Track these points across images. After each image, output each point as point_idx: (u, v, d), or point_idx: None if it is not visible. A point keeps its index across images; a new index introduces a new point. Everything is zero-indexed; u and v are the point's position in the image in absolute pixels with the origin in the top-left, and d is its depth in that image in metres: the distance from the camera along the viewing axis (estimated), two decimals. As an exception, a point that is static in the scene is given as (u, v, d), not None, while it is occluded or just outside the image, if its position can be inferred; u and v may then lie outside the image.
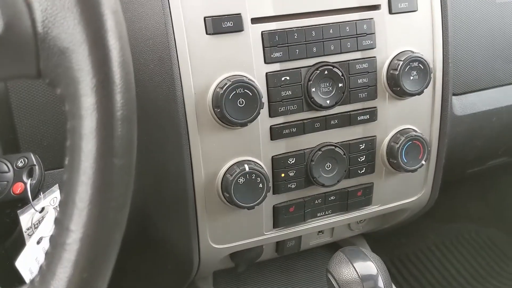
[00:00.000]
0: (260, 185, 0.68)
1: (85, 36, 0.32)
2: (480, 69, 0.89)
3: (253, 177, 0.67)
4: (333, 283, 0.63)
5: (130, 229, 0.69)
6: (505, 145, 1.01)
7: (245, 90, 0.63)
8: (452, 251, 1.39)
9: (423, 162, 0.77)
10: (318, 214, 0.79)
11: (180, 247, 0.73)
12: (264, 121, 0.69)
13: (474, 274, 1.33)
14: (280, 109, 0.69)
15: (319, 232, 0.89)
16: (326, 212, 0.79)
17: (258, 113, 0.65)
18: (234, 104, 0.63)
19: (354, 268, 0.63)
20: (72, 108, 0.33)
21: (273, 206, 0.75)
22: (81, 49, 0.32)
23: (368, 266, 0.63)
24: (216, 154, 0.68)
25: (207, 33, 0.63)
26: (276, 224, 0.76)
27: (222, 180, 0.68)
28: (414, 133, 0.75)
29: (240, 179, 0.67)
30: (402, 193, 0.84)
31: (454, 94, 0.87)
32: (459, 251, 1.39)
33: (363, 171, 0.77)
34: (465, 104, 0.89)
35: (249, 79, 0.64)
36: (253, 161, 0.69)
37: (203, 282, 0.90)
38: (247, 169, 0.67)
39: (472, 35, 0.86)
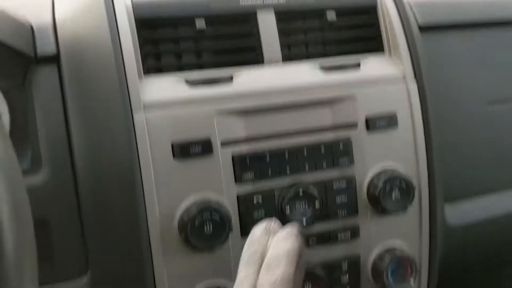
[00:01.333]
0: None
1: None
2: (471, 175, 0.85)
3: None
4: None
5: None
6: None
7: (213, 217, 0.60)
8: None
9: (412, 284, 0.71)
10: None
11: None
12: (235, 241, 0.65)
13: None
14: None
15: None
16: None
17: (227, 237, 0.62)
18: (200, 231, 0.60)
19: None
20: None
21: None
22: None
23: None
24: (182, 276, 0.64)
25: (174, 158, 0.62)
26: None
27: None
28: (401, 252, 0.71)
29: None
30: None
31: (446, 201, 0.83)
32: None
33: (347, 292, 0.72)
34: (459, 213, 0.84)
35: (217, 203, 0.62)
36: None
37: None
38: (218, 293, 0.62)
39: (462, 140, 0.83)
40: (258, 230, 0.52)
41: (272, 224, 0.52)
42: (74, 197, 0.64)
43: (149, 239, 0.62)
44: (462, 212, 0.84)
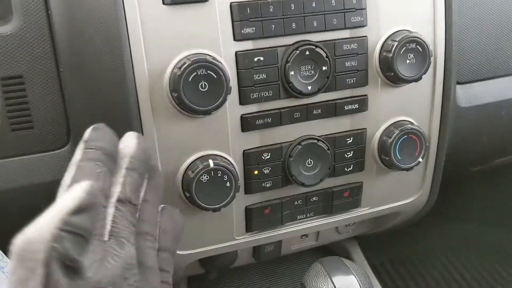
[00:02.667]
0: (228, 184, 0.58)
1: None
2: (489, 55, 0.78)
3: (219, 175, 0.58)
4: (308, 299, 0.54)
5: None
6: (514, 142, 0.91)
7: (208, 72, 0.53)
8: (457, 254, 1.31)
9: (420, 159, 0.67)
10: (298, 217, 0.69)
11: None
12: (233, 109, 0.59)
13: (479, 278, 1.24)
14: (252, 96, 0.59)
15: (302, 235, 0.79)
16: (308, 215, 0.69)
17: (225, 100, 0.55)
18: (195, 88, 0.53)
19: (333, 283, 0.53)
20: None
21: (245, 207, 0.65)
22: None
23: (350, 281, 0.54)
24: (176, 148, 0.58)
25: (164, 3, 0.53)
26: (249, 228, 0.67)
27: (183, 178, 0.59)
28: (411, 125, 0.65)
29: (203, 177, 0.57)
30: (396, 194, 0.74)
31: (458, 83, 0.77)
32: (464, 254, 1.30)
33: (350, 168, 0.67)
34: (471, 95, 0.79)
35: (213, 58, 0.54)
36: (220, 156, 0.59)
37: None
38: (211, 165, 0.57)
39: (480, 15, 0.75)
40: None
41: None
42: (51, 51, 0.56)
43: (138, 104, 0.55)
44: (475, 94, 0.79)
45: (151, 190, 0.45)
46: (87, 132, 0.43)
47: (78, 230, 0.33)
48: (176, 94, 0.53)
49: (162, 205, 0.47)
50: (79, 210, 0.33)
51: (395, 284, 1.23)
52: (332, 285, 0.53)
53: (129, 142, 0.45)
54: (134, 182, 0.42)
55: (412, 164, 0.67)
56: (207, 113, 0.55)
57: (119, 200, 0.40)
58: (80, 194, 0.34)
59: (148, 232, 0.43)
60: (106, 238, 0.38)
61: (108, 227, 0.39)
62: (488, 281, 1.24)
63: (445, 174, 0.79)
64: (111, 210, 0.40)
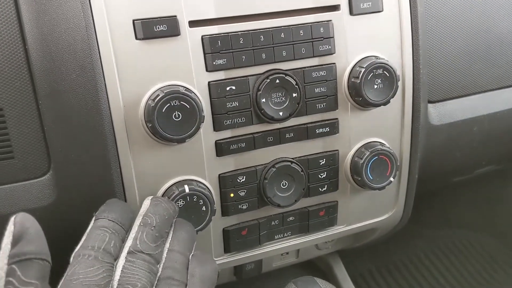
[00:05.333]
0: (203, 208, 0.60)
1: None
2: (460, 74, 0.81)
3: (194, 199, 0.60)
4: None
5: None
6: (487, 156, 0.94)
7: (181, 102, 0.56)
8: (441, 259, 1.33)
9: (392, 179, 0.69)
10: (276, 237, 0.71)
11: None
12: (208, 135, 0.61)
13: (463, 282, 1.26)
14: (226, 122, 0.61)
15: (283, 253, 0.81)
16: (285, 234, 0.72)
17: (198, 128, 0.57)
18: (169, 118, 0.56)
19: None
20: None
21: (223, 229, 0.67)
22: None
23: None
24: (152, 174, 0.60)
25: (136, 38, 0.56)
26: (227, 249, 0.69)
27: (160, 202, 0.61)
28: (381, 147, 0.68)
29: (179, 202, 0.59)
30: (371, 211, 0.76)
31: (430, 102, 0.79)
32: (448, 259, 1.33)
33: (324, 188, 0.69)
34: (443, 113, 0.81)
35: (186, 89, 0.56)
36: (196, 181, 0.62)
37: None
38: (187, 190, 0.59)
39: (449, 35, 0.78)
40: None
41: None
42: (30, 84, 0.58)
43: (114, 133, 0.57)
44: (447, 112, 0.81)
45: (176, 240, 0.50)
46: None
47: (23, 256, 0.39)
48: (150, 125, 0.56)
49: (193, 253, 0.52)
50: (15, 241, 0.39)
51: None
52: (304, 306, 0.55)
53: (143, 204, 0.52)
54: (150, 235, 0.48)
55: (384, 184, 0.69)
56: (181, 141, 0.57)
57: (129, 252, 0.46)
58: (10, 229, 0.40)
59: (172, 277, 0.47)
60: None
61: (117, 277, 0.44)
62: (472, 285, 1.26)
63: (426, 186, 0.81)
64: (121, 262, 0.45)
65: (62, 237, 0.55)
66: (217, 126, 0.61)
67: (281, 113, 0.62)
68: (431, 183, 0.98)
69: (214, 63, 0.58)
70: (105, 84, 0.55)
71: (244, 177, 0.64)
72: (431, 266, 1.31)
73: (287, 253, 0.82)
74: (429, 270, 1.30)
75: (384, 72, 0.63)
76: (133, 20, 0.55)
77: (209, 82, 0.59)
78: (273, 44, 0.60)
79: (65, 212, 0.62)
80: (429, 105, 0.79)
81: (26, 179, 0.62)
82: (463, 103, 0.83)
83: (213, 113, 0.60)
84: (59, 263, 0.46)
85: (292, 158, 0.66)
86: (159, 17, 0.55)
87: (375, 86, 0.63)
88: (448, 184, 1.17)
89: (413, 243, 1.36)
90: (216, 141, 0.62)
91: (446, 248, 1.36)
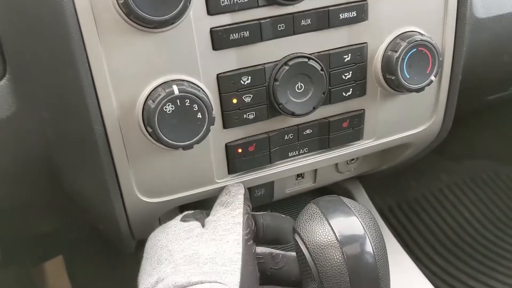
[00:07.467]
0: (199, 115, 0.48)
1: None
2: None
3: (187, 104, 0.47)
4: (301, 246, 0.44)
5: (42, 187, 0.51)
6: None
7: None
8: (467, 193, 1.24)
9: (433, 77, 0.56)
10: (290, 154, 0.59)
11: (99, 204, 0.54)
12: (200, 21, 0.47)
13: (491, 217, 1.17)
14: (222, 2, 0.47)
15: (298, 176, 0.69)
16: (301, 151, 0.59)
17: (186, 6, 0.43)
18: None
19: (330, 225, 0.44)
20: None
21: (226, 144, 0.55)
22: None
23: (351, 223, 0.44)
24: (130, 71, 0.47)
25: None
26: (232, 169, 0.57)
27: (143, 109, 0.48)
28: (420, 36, 0.54)
29: (167, 107, 0.46)
30: (405, 122, 0.64)
31: (474, -12, 0.64)
32: (474, 193, 1.23)
33: (349, 93, 0.56)
34: (490, 2, 0.66)
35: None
36: (187, 81, 0.48)
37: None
38: (176, 92, 0.46)
39: None
40: None
41: None
42: None
43: (77, 15, 0.44)
44: (495, 2, 0.67)
45: None
46: None
47: None
48: (122, 1, 0.42)
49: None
50: None
51: (403, 227, 1.16)
52: (329, 228, 0.44)
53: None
54: None
55: (424, 84, 0.56)
56: (166, 23, 0.44)
57: None
58: None
59: None
60: None
61: None
62: (500, 218, 1.17)
63: (459, 102, 0.68)
64: None
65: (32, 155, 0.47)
66: (212, 10, 0.47)
67: (295, -10, 0.48)
68: (465, 100, 0.85)
69: None
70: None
71: (249, 77, 0.51)
72: (455, 201, 1.22)
73: (302, 176, 0.70)
74: (454, 205, 1.21)
75: None
76: None
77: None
78: None
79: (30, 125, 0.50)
80: (474, -8, 0.64)
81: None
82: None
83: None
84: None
85: (309, 54, 0.53)
86: None
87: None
88: (481, 104, 1.03)
89: (435, 176, 1.26)
90: (211, 28, 0.48)
91: (472, 182, 1.27)
